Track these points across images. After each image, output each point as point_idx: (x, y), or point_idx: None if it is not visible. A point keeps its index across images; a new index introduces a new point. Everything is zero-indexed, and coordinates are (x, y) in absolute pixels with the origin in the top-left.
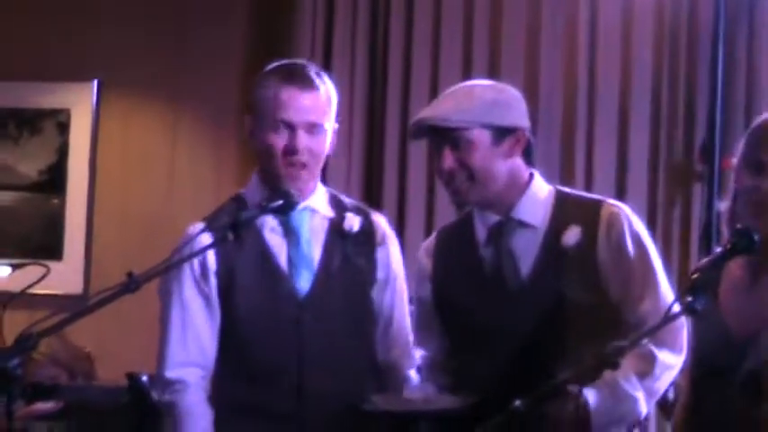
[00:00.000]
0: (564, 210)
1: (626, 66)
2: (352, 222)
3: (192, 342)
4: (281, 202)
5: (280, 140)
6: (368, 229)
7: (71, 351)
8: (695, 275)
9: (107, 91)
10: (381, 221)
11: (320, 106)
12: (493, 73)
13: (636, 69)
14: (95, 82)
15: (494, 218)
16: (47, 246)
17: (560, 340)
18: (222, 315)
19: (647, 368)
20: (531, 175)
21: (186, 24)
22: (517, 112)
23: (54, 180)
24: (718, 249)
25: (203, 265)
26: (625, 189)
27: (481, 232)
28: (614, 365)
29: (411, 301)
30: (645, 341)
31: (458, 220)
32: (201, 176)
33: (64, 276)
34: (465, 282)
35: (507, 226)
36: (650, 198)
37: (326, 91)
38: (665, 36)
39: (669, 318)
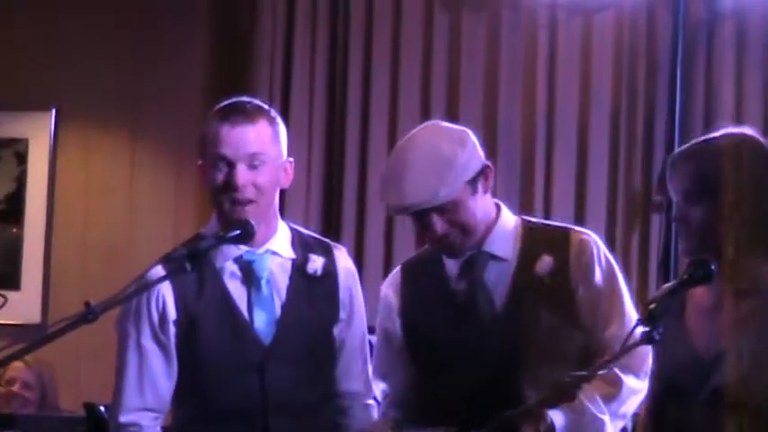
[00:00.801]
0: (533, 240)
1: (584, 98)
2: (316, 265)
3: (149, 388)
4: (238, 231)
5: (220, 177)
6: (330, 269)
7: (50, 372)
8: (652, 305)
9: (65, 120)
10: (342, 257)
11: (262, 138)
12: (451, 104)
13: (594, 102)
14: (53, 111)
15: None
16: (4, 275)
17: (535, 367)
18: (184, 361)
19: (612, 391)
20: (498, 207)
21: (145, 54)
22: (478, 152)
23: (12, 209)
24: (674, 280)
25: (162, 315)
26: (584, 220)
27: (451, 266)
28: (571, 396)
29: (370, 330)
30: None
31: (423, 254)
32: (161, 206)
33: (22, 306)
34: (438, 315)
35: (479, 259)
36: (609, 228)
37: (269, 124)
38: (624, 70)
39: (628, 346)
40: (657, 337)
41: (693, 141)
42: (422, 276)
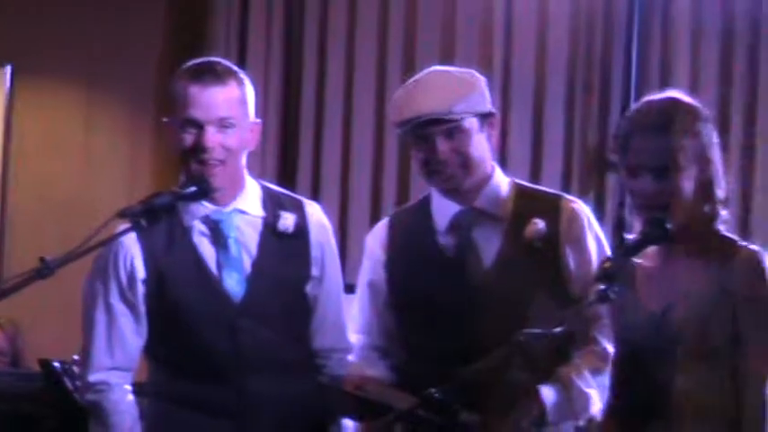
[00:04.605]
0: (524, 202)
1: (541, 56)
2: (288, 222)
3: (118, 348)
4: (194, 188)
5: (189, 139)
6: (302, 226)
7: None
8: (607, 264)
9: (21, 77)
10: (315, 213)
11: (230, 101)
12: (408, 61)
13: (551, 60)
14: (9, 67)
15: (455, 206)
16: None
17: (518, 328)
18: (156, 320)
19: (600, 365)
20: (493, 167)
21: (101, 13)
22: (488, 96)
23: None
24: (630, 238)
25: (130, 274)
26: (540, 178)
27: (440, 220)
28: (527, 355)
29: (349, 288)
30: (599, 337)
31: (411, 207)
32: (117, 162)
33: None
34: (424, 270)
35: (470, 216)
36: (564, 188)
37: (239, 86)
38: (581, 28)
39: (585, 305)
40: (612, 296)
41: (647, 109)
42: (409, 229)
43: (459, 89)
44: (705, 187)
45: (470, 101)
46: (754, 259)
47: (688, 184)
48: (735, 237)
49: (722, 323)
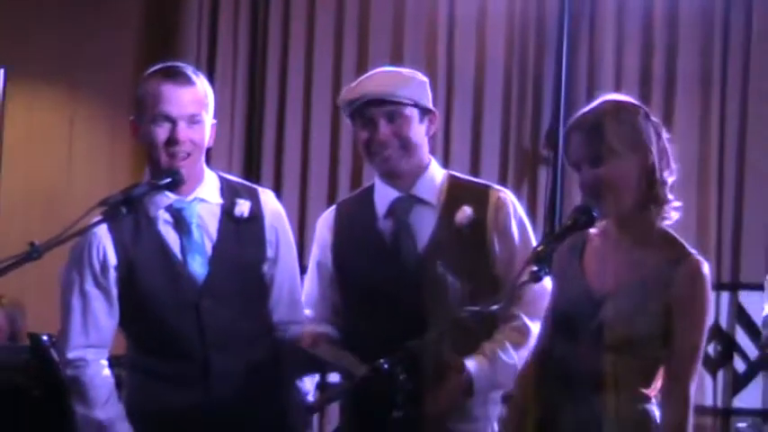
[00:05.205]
0: (456, 191)
1: (480, 62)
2: (243, 208)
3: (92, 329)
4: (168, 179)
5: (161, 133)
6: (257, 212)
7: (22, 313)
8: (540, 248)
9: (13, 79)
10: (269, 199)
11: (198, 100)
12: (361, 64)
13: (489, 66)
14: (2, 69)
15: (394, 193)
16: None
17: (449, 309)
18: (127, 302)
19: (521, 339)
20: (429, 159)
21: (85, 21)
22: (430, 96)
23: None
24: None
25: (103, 262)
26: (479, 172)
27: (381, 206)
28: (467, 330)
29: (303, 269)
30: (521, 313)
31: (357, 195)
32: (98, 158)
33: None
34: (365, 252)
35: (406, 202)
36: (501, 181)
37: (203, 87)
38: (516, 39)
39: (518, 285)
40: (543, 276)
41: (583, 111)
42: (353, 215)
43: (403, 79)
44: (648, 174)
45: (413, 91)
46: (698, 270)
47: (625, 171)
48: (683, 241)
49: (652, 321)
